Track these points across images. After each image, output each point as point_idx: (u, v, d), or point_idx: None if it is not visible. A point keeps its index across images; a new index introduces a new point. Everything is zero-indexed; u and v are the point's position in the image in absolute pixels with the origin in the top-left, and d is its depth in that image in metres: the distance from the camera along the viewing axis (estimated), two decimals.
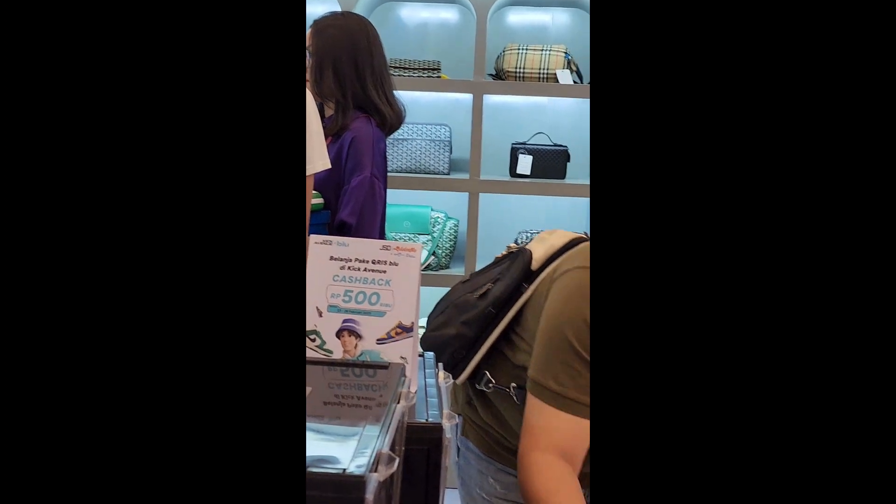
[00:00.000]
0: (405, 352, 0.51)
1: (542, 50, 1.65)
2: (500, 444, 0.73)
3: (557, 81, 1.65)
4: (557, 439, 0.61)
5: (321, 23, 1.19)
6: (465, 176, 1.71)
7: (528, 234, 1.67)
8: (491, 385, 0.70)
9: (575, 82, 1.68)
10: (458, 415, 0.70)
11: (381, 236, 1.18)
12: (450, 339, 0.72)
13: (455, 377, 0.66)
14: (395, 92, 1.22)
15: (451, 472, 0.64)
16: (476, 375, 0.72)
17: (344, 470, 0.30)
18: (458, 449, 0.80)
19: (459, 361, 0.71)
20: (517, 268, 0.71)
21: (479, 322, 0.70)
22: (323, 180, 1.08)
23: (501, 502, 0.75)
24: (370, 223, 1.12)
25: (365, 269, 0.51)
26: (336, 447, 0.35)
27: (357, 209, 1.10)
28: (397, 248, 0.51)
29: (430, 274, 1.66)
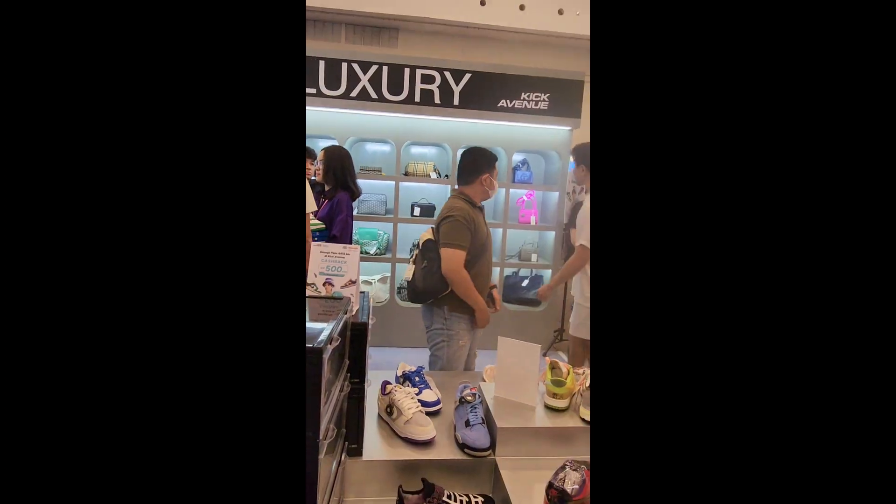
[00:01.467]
0: (352, 292, 1.19)
1: (424, 163, 3.59)
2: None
3: (430, 176, 3.54)
4: (448, 258, 1.81)
5: (328, 149, 2.63)
6: (391, 215, 3.46)
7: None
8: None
9: (438, 176, 3.56)
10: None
11: (351, 241, 2.63)
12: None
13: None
14: (357, 180, 2.68)
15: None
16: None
17: (314, 344, 0.75)
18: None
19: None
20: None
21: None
22: (323, 217, 2.50)
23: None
24: (345, 236, 2.51)
25: (335, 256, 1.19)
26: (316, 334, 0.79)
27: (340, 229, 2.32)
28: (347, 247, 1.20)
29: (377, 256, 3.53)
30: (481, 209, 2.00)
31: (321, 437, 0.74)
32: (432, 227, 1.95)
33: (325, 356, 0.74)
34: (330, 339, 0.80)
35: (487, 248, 1.97)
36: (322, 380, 0.72)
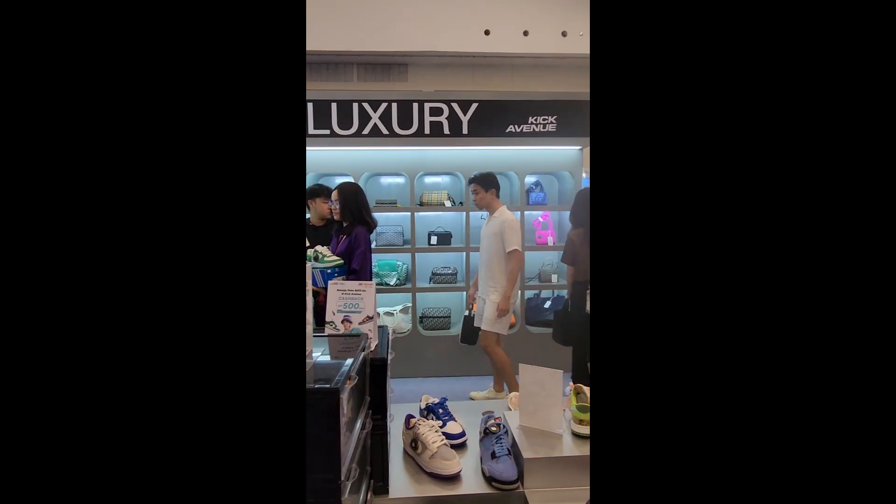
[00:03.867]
0: (369, 327, 1.21)
1: (437, 192, 3.61)
2: None
3: (444, 205, 3.54)
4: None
5: (342, 185, 2.66)
6: (409, 246, 3.44)
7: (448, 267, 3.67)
8: None
9: (452, 204, 3.59)
10: None
11: (371, 274, 2.59)
12: None
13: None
14: (373, 213, 2.70)
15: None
16: None
17: (331, 384, 0.75)
18: None
19: None
20: None
21: None
22: (342, 253, 2.49)
23: None
24: (365, 269, 2.51)
25: (352, 293, 1.21)
26: (333, 373, 0.82)
27: (359, 262, 2.37)
28: (363, 284, 1.23)
29: (397, 287, 3.58)
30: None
31: (342, 478, 0.74)
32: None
33: (343, 396, 0.75)
34: (347, 378, 0.81)
35: None
36: (340, 420, 0.73)
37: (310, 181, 3.42)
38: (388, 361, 1.17)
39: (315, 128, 3.37)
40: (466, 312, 3.10)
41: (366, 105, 3.36)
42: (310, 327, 0.94)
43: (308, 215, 2.94)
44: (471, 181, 2.88)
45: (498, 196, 2.86)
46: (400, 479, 1.19)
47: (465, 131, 3.41)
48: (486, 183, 2.83)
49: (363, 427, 1.01)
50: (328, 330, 1.21)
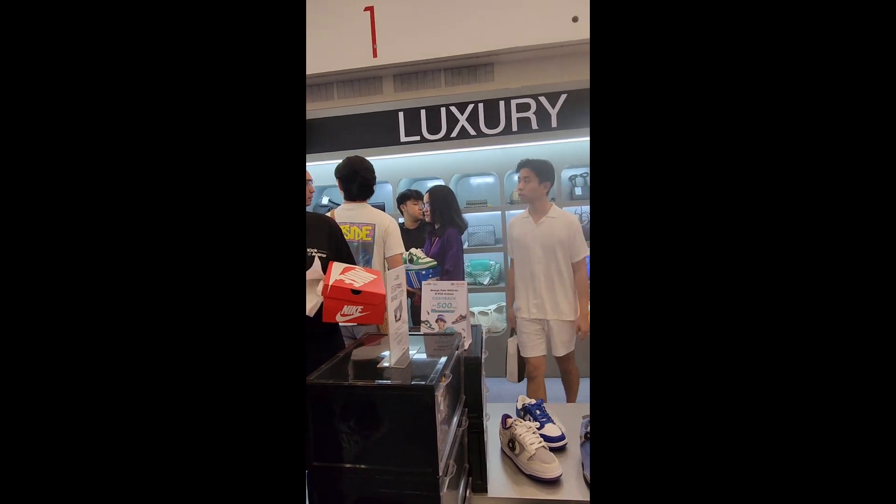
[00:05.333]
0: (463, 326, 1.22)
1: None
2: None
3: None
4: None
5: (432, 189, 2.81)
6: (501, 245, 3.48)
7: None
8: None
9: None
10: None
11: (464, 274, 2.74)
12: None
13: None
14: (464, 214, 2.82)
15: None
16: None
17: (426, 382, 0.77)
18: None
19: None
20: None
21: None
22: (436, 254, 2.61)
23: None
24: (458, 269, 2.62)
25: (444, 293, 1.24)
26: (428, 371, 0.82)
27: (452, 263, 2.45)
28: (456, 284, 1.25)
29: (490, 287, 3.55)
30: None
31: (441, 474, 0.76)
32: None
33: (438, 392, 0.77)
34: (442, 376, 0.83)
35: None
36: (436, 417, 0.75)
37: (402, 186, 3.57)
38: (482, 360, 1.17)
39: (406, 135, 3.51)
40: (511, 340, 2.42)
41: (453, 108, 3.42)
42: (405, 326, 0.98)
43: (402, 219, 3.08)
44: (522, 165, 2.31)
45: (548, 193, 2.33)
46: (499, 479, 1.18)
47: (554, 124, 3.31)
48: (542, 171, 2.27)
49: (459, 424, 1.02)
50: (423, 329, 1.24)
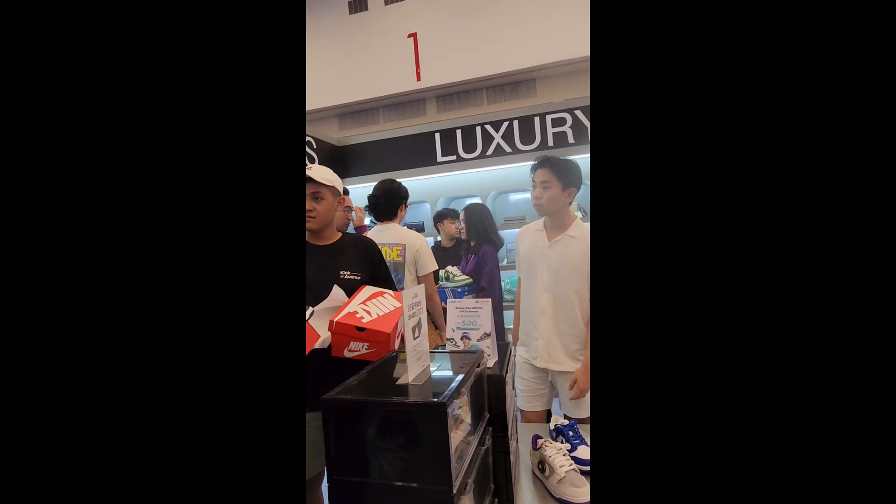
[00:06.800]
0: (487, 344, 1.22)
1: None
2: None
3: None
4: None
5: (468, 207, 2.85)
6: None
7: None
8: None
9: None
10: None
11: (500, 291, 2.67)
12: None
13: None
14: (501, 231, 2.67)
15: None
16: None
17: (439, 399, 0.76)
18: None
19: None
20: None
21: None
22: (471, 272, 2.64)
23: None
24: (494, 286, 2.59)
25: (469, 311, 1.25)
26: (444, 388, 0.81)
27: (487, 280, 2.46)
28: (480, 301, 1.25)
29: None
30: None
31: (454, 492, 0.76)
32: None
33: (450, 409, 0.77)
34: (457, 393, 0.83)
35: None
36: (448, 434, 0.75)
37: (440, 205, 3.63)
38: (506, 378, 1.16)
39: (442, 155, 3.59)
40: (517, 387, 1.80)
41: (488, 127, 3.46)
42: (425, 342, 0.99)
43: (439, 237, 3.12)
44: (539, 166, 1.65)
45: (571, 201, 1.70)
46: (527, 501, 1.15)
47: (590, 137, 3.27)
48: (565, 174, 1.61)
49: (482, 443, 1.01)
50: (449, 346, 1.25)
